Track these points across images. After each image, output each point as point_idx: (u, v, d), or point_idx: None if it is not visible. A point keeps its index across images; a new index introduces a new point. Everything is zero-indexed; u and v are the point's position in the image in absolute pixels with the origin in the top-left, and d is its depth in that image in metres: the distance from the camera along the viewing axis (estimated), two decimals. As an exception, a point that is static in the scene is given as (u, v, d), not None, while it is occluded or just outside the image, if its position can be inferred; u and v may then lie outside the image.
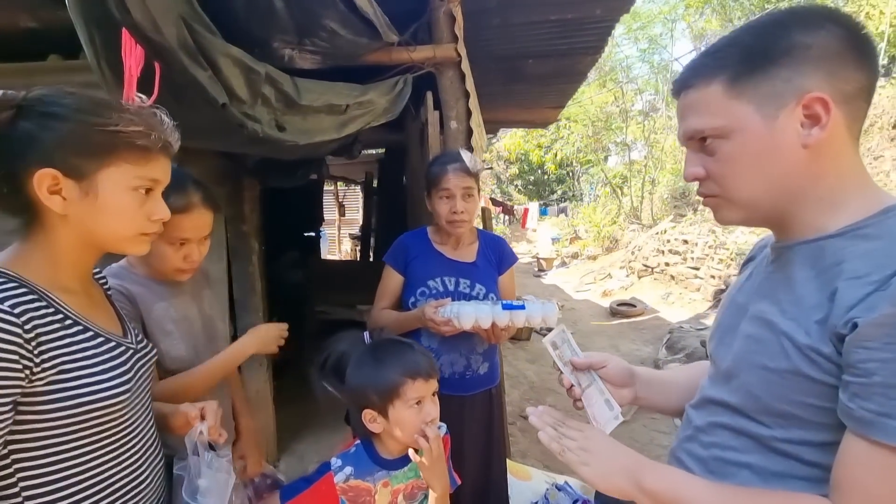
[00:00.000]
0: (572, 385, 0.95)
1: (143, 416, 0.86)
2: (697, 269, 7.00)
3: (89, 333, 0.77)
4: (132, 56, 0.86)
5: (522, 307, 1.41)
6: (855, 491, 0.56)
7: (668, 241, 8.07)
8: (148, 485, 0.85)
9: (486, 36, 2.75)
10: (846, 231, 0.63)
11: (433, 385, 1.00)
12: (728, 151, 0.67)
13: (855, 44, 0.61)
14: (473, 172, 1.59)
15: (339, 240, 12.30)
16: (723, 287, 6.23)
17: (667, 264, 7.83)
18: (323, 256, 7.69)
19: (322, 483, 0.96)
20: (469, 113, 2.28)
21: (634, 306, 6.75)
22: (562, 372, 0.96)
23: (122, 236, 0.80)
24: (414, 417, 0.96)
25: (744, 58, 0.64)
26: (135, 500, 0.82)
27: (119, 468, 0.79)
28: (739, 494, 0.65)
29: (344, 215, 11.94)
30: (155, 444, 0.89)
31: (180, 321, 1.21)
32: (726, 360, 0.74)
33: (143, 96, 0.88)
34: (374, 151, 5.98)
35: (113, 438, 0.78)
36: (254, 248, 2.45)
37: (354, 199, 13.02)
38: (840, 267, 0.60)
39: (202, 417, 0.90)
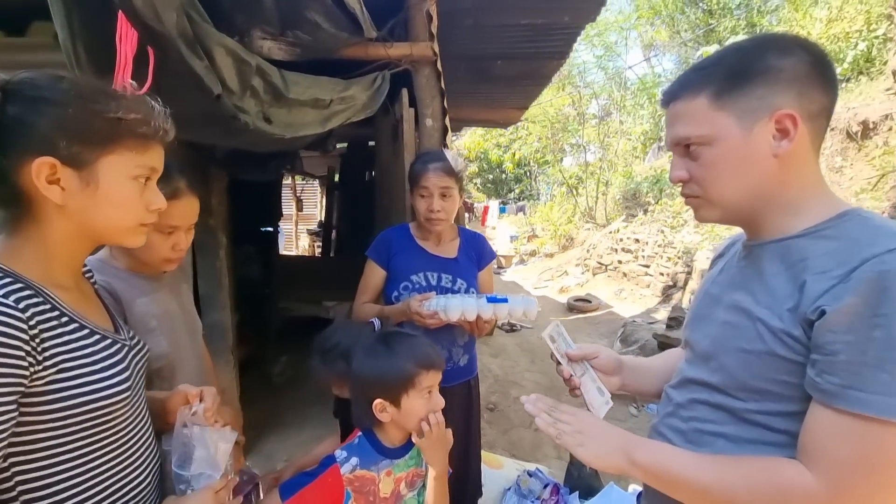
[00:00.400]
0: (571, 375, 1.01)
1: (141, 414, 0.84)
2: (648, 266, 7.39)
3: (86, 331, 0.75)
4: (127, 42, 0.84)
5: (506, 300, 1.47)
6: (820, 453, 0.65)
7: (621, 239, 8.46)
8: (147, 484, 0.83)
9: (457, 35, 2.79)
10: (808, 232, 0.72)
11: (440, 375, 1.04)
12: (710, 157, 0.76)
13: (820, 69, 0.71)
14: (453, 172, 1.63)
15: (296, 235, 11.98)
16: (671, 283, 6.62)
17: (619, 262, 8.21)
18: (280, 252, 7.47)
19: (328, 475, 0.97)
20: (444, 111, 2.32)
21: (590, 302, 7.03)
22: (559, 363, 1.03)
23: (123, 227, 0.77)
24: (425, 406, 1.00)
25: (727, 75, 0.73)
26: (135, 500, 0.80)
27: (118, 468, 0.77)
28: (720, 462, 0.73)
29: (301, 210, 11.63)
30: (152, 443, 0.87)
31: (162, 316, 1.17)
32: (703, 344, 0.83)
33: (136, 83, 0.85)
34: (337, 145, 5.88)
35: (112, 438, 0.76)
36: (221, 242, 2.36)
37: (312, 194, 12.72)
38: (805, 263, 0.70)
39: (200, 399, 0.89)
